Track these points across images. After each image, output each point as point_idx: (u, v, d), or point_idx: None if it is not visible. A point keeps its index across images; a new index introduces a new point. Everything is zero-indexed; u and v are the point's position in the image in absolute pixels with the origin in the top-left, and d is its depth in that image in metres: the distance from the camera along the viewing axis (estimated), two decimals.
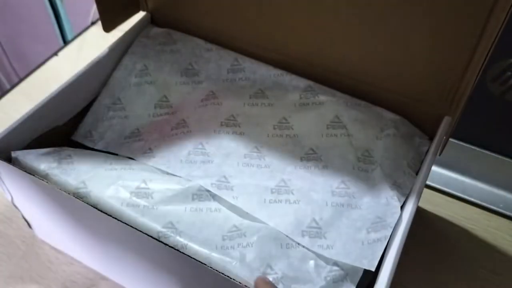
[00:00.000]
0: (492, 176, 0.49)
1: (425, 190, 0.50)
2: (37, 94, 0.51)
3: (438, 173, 0.51)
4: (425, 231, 0.48)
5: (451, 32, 0.38)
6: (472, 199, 0.50)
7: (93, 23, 0.70)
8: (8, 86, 1.17)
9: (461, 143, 0.48)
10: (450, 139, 0.47)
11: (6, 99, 0.59)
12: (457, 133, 0.46)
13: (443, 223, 0.49)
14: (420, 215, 0.49)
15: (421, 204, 0.49)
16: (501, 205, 0.49)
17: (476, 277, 0.45)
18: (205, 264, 0.29)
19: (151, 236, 0.30)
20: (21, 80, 0.61)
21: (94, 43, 0.66)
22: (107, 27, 0.46)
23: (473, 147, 0.48)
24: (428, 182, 0.51)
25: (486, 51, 0.37)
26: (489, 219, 0.49)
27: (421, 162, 0.40)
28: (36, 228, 0.44)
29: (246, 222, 0.34)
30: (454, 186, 0.51)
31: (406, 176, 0.38)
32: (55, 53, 0.65)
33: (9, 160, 0.38)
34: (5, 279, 0.43)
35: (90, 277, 0.43)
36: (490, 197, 0.50)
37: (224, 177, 0.37)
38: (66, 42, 0.71)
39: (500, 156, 0.47)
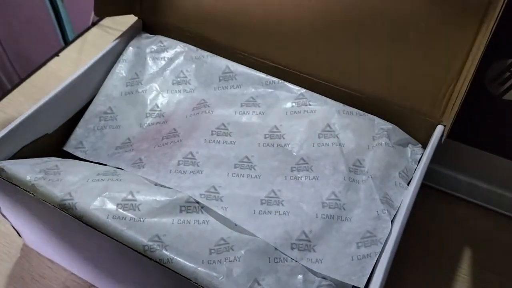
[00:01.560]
0: (492, 176, 0.48)
1: (425, 190, 0.50)
2: (38, 95, 0.51)
3: (438, 173, 0.50)
4: (424, 231, 0.47)
5: (443, 40, 0.38)
6: (472, 199, 0.50)
7: (94, 24, 0.69)
8: (9, 87, 1.17)
9: (461, 143, 0.48)
10: (450, 139, 0.47)
11: (7, 99, 0.59)
12: (457, 133, 0.46)
13: (442, 223, 0.48)
14: (419, 215, 0.48)
15: (420, 204, 0.49)
16: (500, 205, 0.49)
17: (475, 277, 0.45)
18: (190, 280, 0.28)
19: (136, 250, 0.30)
20: (22, 80, 0.61)
21: (95, 44, 0.66)
22: (99, 12, 0.46)
23: (473, 147, 0.47)
24: (427, 182, 0.51)
25: (478, 57, 0.36)
26: (489, 219, 0.49)
27: (414, 171, 0.40)
28: (26, 237, 0.44)
29: (234, 234, 0.34)
30: (454, 186, 0.50)
31: (397, 188, 0.38)
32: (56, 54, 0.64)
33: None
34: (6, 278, 0.43)
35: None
36: (490, 197, 0.49)
37: (214, 187, 0.36)
38: (67, 42, 0.71)
39: (500, 156, 0.47)
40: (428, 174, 0.38)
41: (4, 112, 0.56)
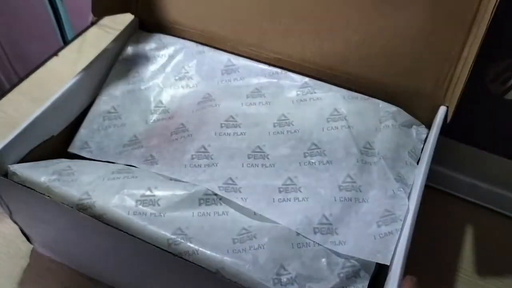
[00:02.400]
0: (492, 176, 0.48)
1: (425, 190, 0.51)
2: (37, 94, 0.51)
3: (438, 173, 0.50)
4: (424, 231, 0.47)
5: (444, 20, 0.39)
6: (472, 199, 0.50)
7: (93, 23, 0.68)
8: (8, 86, 1.14)
9: (461, 143, 0.48)
10: (450, 139, 0.47)
11: (7, 99, 0.58)
12: (457, 132, 0.46)
13: (442, 223, 0.48)
14: (419, 215, 0.49)
15: (419, 204, 0.49)
16: (501, 205, 0.49)
17: (475, 277, 0.45)
18: (215, 273, 0.29)
19: (160, 247, 0.29)
20: (21, 80, 0.60)
21: (94, 43, 0.65)
22: (97, 12, 0.46)
23: (473, 147, 0.48)
24: (427, 182, 0.50)
25: (479, 37, 0.37)
26: (489, 219, 0.49)
27: (421, 151, 0.41)
28: (36, 241, 0.43)
29: (255, 223, 0.34)
30: (454, 186, 0.50)
31: (408, 167, 0.38)
32: (55, 53, 0.64)
33: (6, 174, 0.37)
34: (5, 278, 0.42)
35: (91, 277, 0.42)
36: (490, 197, 0.49)
37: (231, 179, 0.36)
38: (66, 42, 0.70)
39: (500, 156, 0.47)
40: (428, 174, 0.38)
41: (3, 111, 0.56)
